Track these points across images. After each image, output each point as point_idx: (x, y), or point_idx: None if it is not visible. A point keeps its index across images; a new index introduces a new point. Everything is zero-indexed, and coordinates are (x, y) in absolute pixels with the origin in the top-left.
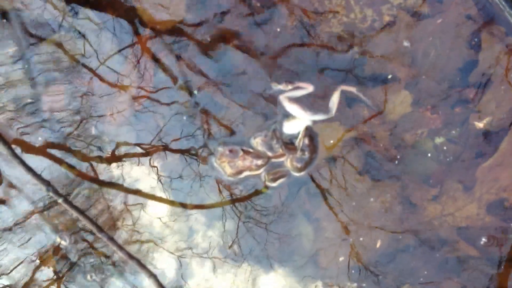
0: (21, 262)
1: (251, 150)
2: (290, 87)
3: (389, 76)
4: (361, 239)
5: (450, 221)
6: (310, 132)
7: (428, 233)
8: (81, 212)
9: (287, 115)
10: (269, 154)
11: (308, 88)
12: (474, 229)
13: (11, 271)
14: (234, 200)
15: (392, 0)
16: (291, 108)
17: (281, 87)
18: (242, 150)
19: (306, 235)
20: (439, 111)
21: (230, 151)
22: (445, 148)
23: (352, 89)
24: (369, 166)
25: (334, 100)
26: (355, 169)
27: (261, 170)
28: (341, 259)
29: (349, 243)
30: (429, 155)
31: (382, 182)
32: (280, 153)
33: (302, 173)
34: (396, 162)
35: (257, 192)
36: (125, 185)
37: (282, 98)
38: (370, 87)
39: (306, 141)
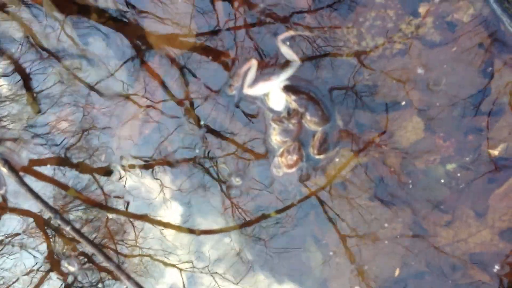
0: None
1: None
2: (240, 79)
3: (403, 103)
4: (374, 267)
5: (463, 247)
6: (290, 88)
7: (441, 259)
8: (89, 240)
9: (265, 97)
10: (291, 137)
11: (253, 64)
12: (487, 255)
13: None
14: (242, 225)
15: (403, 28)
16: (260, 90)
17: (236, 85)
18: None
19: (315, 260)
20: (452, 139)
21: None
22: (458, 174)
23: (289, 33)
24: (381, 192)
25: (285, 51)
26: (366, 194)
27: (302, 160)
28: (352, 285)
29: (359, 269)
30: (442, 181)
31: (393, 207)
32: (297, 127)
33: (329, 123)
34: (408, 187)
35: (265, 216)
36: (130, 200)
37: (247, 91)
38: (381, 113)
39: (292, 96)
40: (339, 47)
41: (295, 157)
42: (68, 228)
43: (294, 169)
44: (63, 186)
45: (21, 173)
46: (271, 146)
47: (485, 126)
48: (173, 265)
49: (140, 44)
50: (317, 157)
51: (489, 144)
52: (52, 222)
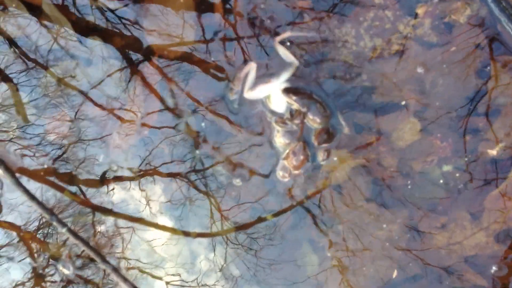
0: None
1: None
2: (241, 82)
3: (400, 103)
4: (371, 269)
5: (458, 249)
6: (290, 89)
7: (436, 261)
8: (85, 242)
9: (267, 99)
10: (295, 138)
11: (252, 66)
12: (482, 258)
13: None
14: (237, 228)
15: (401, 29)
16: (260, 92)
17: (236, 89)
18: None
19: (311, 264)
20: (449, 139)
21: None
22: (455, 175)
23: (287, 34)
24: (377, 194)
25: (282, 52)
26: (363, 197)
27: (308, 160)
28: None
29: (357, 271)
30: (440, 181)
31: (389, 209)
32: (300, 127)
33: (331, 119)
34: (404, 189)
35: (260, 220)
36: (121, 211)
37: (247, 94)
38: (379, 114)
39: (293, 97)
40: (338, 47)
41: (301, 157)
42: (64, 230)
43: (300, 170)
44: (59, 188)
45: (17, 175)
46: (275, 149)
47: (482, 126)
48: (161, 278)
49: (133, 53)
50: (316, 145)
51: (486, 145)
52: (43, 229)
